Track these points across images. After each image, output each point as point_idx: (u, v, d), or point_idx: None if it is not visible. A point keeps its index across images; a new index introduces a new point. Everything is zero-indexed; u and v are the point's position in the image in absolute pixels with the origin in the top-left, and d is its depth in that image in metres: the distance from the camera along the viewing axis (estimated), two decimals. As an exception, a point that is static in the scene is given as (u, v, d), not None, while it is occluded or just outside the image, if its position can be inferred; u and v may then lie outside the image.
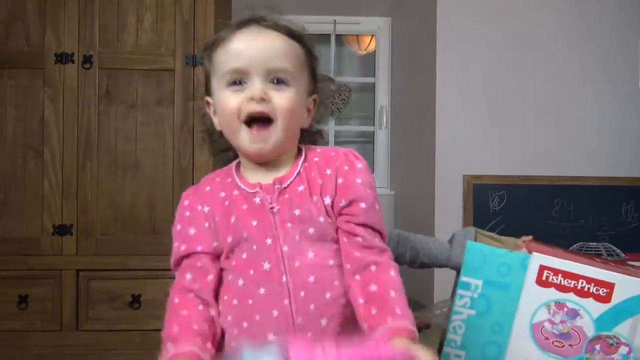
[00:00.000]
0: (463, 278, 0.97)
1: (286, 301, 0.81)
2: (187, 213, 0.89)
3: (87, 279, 2.10)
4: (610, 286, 0.90)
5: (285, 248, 0.83)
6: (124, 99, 2.13)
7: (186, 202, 0.91)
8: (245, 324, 0.83)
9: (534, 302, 0.93)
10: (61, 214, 2.10)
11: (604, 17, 2.72)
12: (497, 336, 0.95)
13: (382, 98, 3.30)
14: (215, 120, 0.92)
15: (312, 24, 3.33)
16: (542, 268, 0.93)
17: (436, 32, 2.70)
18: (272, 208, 0.85)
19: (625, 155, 2.73)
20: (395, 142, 3.25)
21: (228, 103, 0.85)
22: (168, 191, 2.12)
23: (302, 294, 0.81)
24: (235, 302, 0.85)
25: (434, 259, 1.35)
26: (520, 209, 2.69)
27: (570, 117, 2.72)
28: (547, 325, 0.92)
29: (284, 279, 0.82)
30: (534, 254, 0.94)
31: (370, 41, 3.38)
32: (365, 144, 3.45)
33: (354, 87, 3.38)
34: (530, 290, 0.93)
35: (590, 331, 0.91)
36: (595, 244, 2.39)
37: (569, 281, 0.92)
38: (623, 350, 0.90)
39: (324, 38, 3.35)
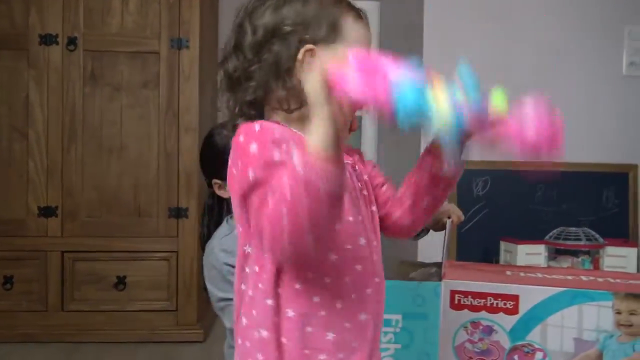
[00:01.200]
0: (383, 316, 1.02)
1: (377, 279, 0.75)
2: None
3: (72, 260, 2.12)
4: (515, 298, 0.95)
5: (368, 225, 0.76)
6: (109, 81, 2.14)
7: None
8: (339, 305, 0.71)
9: (452, 326, 0.99)
10: (46, 196, 2.11)
11: (590, 3, 2.74)
12: None
13: (370, 83, 3.31)
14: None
15: (301, 7, 3.34)
16: (453, 293, 0.98)
17: (423, 17, 2.71)
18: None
19: (607, 142, 2.76)
20: (382, 129, 3.27)
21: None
22: (153, 174, 2.13)
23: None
24: (327, 280, 0.71)
25: None
26: (504, 194, 2.72)
27: (553, 103, 2.75)
28: (468, 345, 0.97)
29: (375, 257, 0.76)
30: (444, 280, 0.98)
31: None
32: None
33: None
34: (447, 316, 0.99)
35: (506, 344, 0.96)
36: (575, 229, 2.43)
37: (479, 300, 0.97)
38: (539, 355, 0.95)
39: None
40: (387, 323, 1.03)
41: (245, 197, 0.66)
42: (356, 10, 0.76)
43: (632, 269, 2.45)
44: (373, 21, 3.44)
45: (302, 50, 0.69)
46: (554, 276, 1.04)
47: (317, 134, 0.58)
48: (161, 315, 2.10)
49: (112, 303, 2.13)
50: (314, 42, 0.70)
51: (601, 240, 2.41)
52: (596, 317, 0.92)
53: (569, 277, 1.03)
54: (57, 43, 2.10)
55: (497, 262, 2.60)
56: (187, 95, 2.11)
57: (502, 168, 2.74)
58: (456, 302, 0.99)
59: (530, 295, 0.95)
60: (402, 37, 3.04)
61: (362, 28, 0.75)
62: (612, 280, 1.01)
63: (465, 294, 0.98)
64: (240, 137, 0.67)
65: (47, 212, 2.11)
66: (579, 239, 2.39)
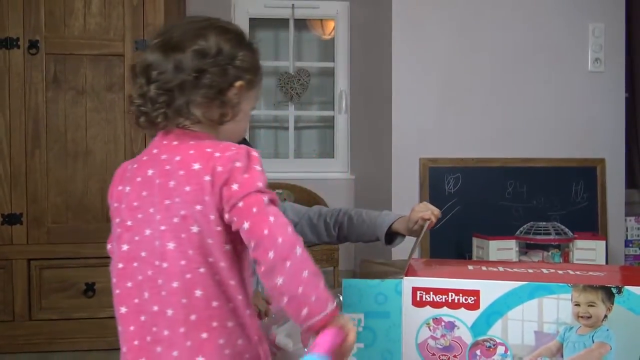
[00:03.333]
0: (346, 315, 1.02)
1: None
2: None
3: (39, 268, 2.08)
4: (476, 293, 0.96)
5: None
6: (73, 84, 2.10)
7: None
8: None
9: (414, 323, 0.99)
10: (10, 203, 2.07)
11: (556, 1, 2.78)
12: None
13: (342, 83, 3.31)
14: (234, 111, 0.90)
15: (271, 8, 3.32)
16: (415, 290, 0.98)
17: (392, 17, 2.72)
18: None
19: (576, 138, 2.81)
20: (355, 127, 3.28)
21: (248, 124, 0.97)
22: (121, 178, 2.10)
23: None
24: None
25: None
26: (475, 191, 2.75)
27: (522, 101, 2.78)
28: (430, 342, 0.98)
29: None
30: (405, 278, 0.98)
31: (334, 26, 3.38)
32: (325, 128, 3.47)
33: (313, 72, 3.38)
34: (409, 313, 0.99)
35: (468, 339, 0.96)
36: (544, 223, 2.46)
37: (440, 296, 0.97)
38: (500, 350, 0.95)
39: (283, 22, 3.34)
40: None
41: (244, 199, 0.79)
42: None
43: (601, 261, 2.49)
44: (344, 21, 3.45)
45: (239, 82, 0.88)
46: (515, 270, 1.04)
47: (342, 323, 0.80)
48: (132, 322, 2.06)
49: (81, 310, 2.09)
50: (245, 81, 0.90)
51: (570, 234, 2.45)
52: (556, 309, 0.92)
53: (530, 271, 1.03)
54: (18, 47, 2.06)
55: (470, 257, 2.62)
56: (153, 97, 2.08)
57: (473, 165, 2.77)
58: (418, 299, 0.98)
59: (491, 290, 0.95)
60: (371, 36, 3.05)
61: (260, 90, 0.98)
62: (572, 273, 1.01)
63: (427, 290, 0.98)
64: (248, 157, 0.83)
65: (11, 219, 2.06)
66: (549, 234, 2.42)
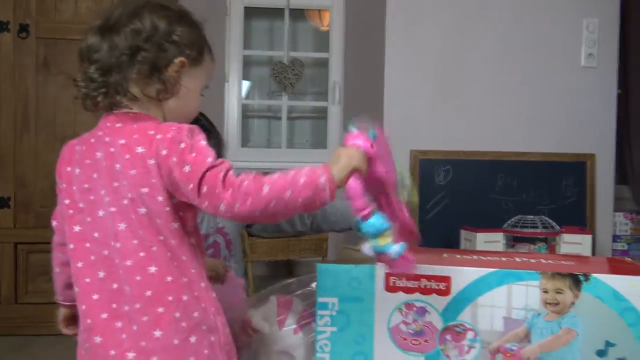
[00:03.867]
0: (320, 299, 1.03)
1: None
2: None
3: (26, 252, 2.09)
4: (447, 279, 0.97)
5: None
6: (63, 69, 2.10)
7: None
8: None
9: (387, 308, 1.00)
10: (-2, 187, 2.07)
11: (550, -5, 2.78)
12: (362, 347, 1.01)
13: (336, 74, 3.31)
14: (174, 88, 0.90)
15: (266, -3, 3.32)
16: (388, 275, 0.99)
17: (386, 8, 2.71)
18: None
19: (567, 132, 2.81)
20: (348, 118, 3.28)
21: (198, 103, 0.96)
22: (109, 164, 2.10)
23: None
24: None
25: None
26: (465, 184, 2.75)
27: (515, 95, 2.79)
28: (402, 326, 0.99)
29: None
30: (379, 263, 0.99)
31: (330, 17, 3.37)
32: (318, 119, 3.47)
33: (307, 62, 3.37)
34: (382, 298, 1.00)
35: (439, 324, 0.97)
36: (532, 217, 2.47)
37: (413, 282, 0.98)
38: (470, 335, 0.96)
39: (279, 12, 3.33)
40: (323, 306, 1.04)
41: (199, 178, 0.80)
42: (212, 53, 0.98)
43: (587, 254, 2.50)
44: (339, 12, 3.45)
45: (178, 59, 0.89)
46: (488, 258, 1.05)
47: (338, 168, 0.82)
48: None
49: (68, 295, 2.10)
50: (187, 58, 0.90)
51: (557, 227, 2.46)
52: (525, 296, 0.93)
53: (503, 259, 1.04)
54: (8, 30, 2.06)
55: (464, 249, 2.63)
56: (143, 83, 2.08)
57: (464, 158, 2.77)
58: (391, 284, 0.99)
59: (461, 276, 0.96)
60: (366, 28, 3.04)
61: (212, 67, 0.98)
62: (544, 262, 1.02)
63: (400, 276, 0.99)
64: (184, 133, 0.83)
65: (-1, 203, 2.07)
66: (536, 227, 2.43)
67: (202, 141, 0.83)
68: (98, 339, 0.85)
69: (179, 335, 0.83)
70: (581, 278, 0.91)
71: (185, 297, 0.84)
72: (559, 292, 0.91)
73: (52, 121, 2.09)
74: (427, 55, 2.74)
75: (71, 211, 0.88)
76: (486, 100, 2.77)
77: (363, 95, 3.07)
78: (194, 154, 0.81)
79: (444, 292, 0.97)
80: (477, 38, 2.75)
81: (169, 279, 0.84)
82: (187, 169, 0.80)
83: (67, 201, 0.89)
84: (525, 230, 2.42)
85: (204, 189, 0.79)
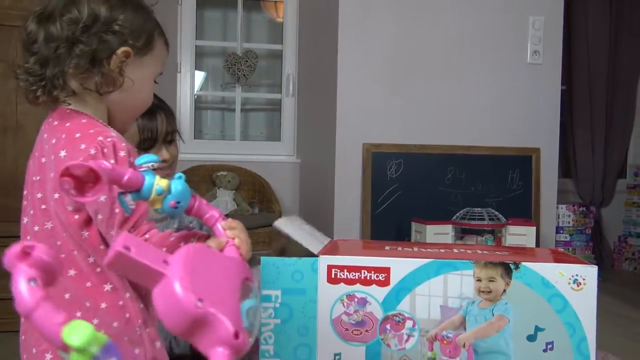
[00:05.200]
0: (263, 291, 1.05)
1: None
2: None
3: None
4: (386, 270, 1.00)
5: None
6: (3, 57, 2.02)
7: None
8: None
9: (329, 299, 1.02)
10: None
11: (498, -8, 2.85)
12: (305, 338, 1.03)
13: (290, 66, 3.30)
14: (116, 81, 0.84)
15: (219, -13, 3.28)
16: (330, 267, 1.01)
17: (339, 2, 2.72)
18: None
19: (513, 127, 2.90)
20: (302, 111, 3.28)
21: (149, 93, 0.90)
22: (53, 155, 2.04)
23: None
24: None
25: None
26: (416, 177, 2.80)
27: (464, 90, 2.85)
28: (344, 317, 1.01)
29: None
30: (321, 256, 1.01)
31: (283, 8, 3.35)
32: (272, 111, 3.46)
33: (261, 54, 3.35)
34: (324, 290, 1.02)
35: (379, 314, 1.00)
36: (479, 209, 2.54)
37: (354, 274, 1.01)
38: (409, 324, 0.99)
39: (232, 2, 3.30)
40: (267, 298, 1.04)
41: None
42: (165, 37, 0.92)
43: (532, 245, 2.59)
44: (293, 3, 3.43)
45: (121, 49, 0.83)
46: (428, 250, 1.08)
47: None
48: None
49: (8, 291, 2.03)
50: (132, 47, 0.84)
51: (503, 219, 2.53)
52: (459, 285, 0.96)
53: (442, 251, 1.07)
54: (-56, 15, 1.96)
55: (409, 241, 2.68)
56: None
57: (415, 152, 2.82)
58: (333, 276, 1.01)
59: (400, 267, 0.98)
60: (319, 20, 3.05)
61: (166, 52, 0.92)
62: (480, 252, 1.06)
63: (342, 268, 1.00)
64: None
65: None
66: (483, 219, 2.50)
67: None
68: (22, 337, 0.84)
69: None
70: (512, 266, 0.95)
71: (103, 305, 0.80)
72: (492, 281, 0.95)
73: (-8, 111, 2.01)
74: (380, 50, 2.77)
75: (24, 203, 0.85)
76: (436, 95, 2.83)
77: (316, 88, 3.07)
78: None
79: (384, 283, 0.99)
80: (428, 34, 2.80)
81: (88, 284, 0.80)
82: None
83: (24, 192, 0.86)
84: (473, 222, 2.49)
85: (98, 216, 0.77)
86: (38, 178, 0.83)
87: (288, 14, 3.29)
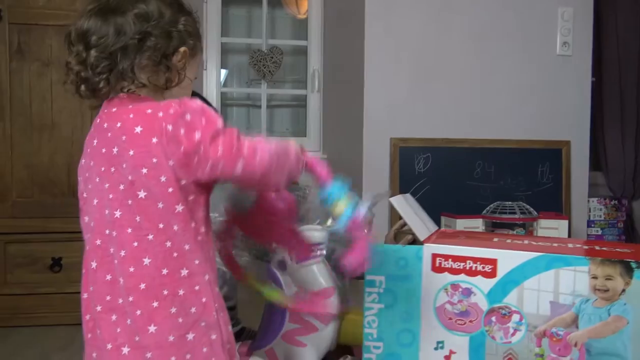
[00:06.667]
0: (367, 277, 1.04)
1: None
2: None
3: (4, 242, 2.05)
4: (493, 262, 0.98)
5: None
6: (38, 56, 2.05)
7: None
8: None
9: (433, 287, 1.02)
10: (-27, 177, 2.03)
11: (527, -16, 2.81)
12: (408, 324, 1.04)
13: (315, 61, 3.30)
14: (180, 76, 0.90)
15: (244, -16, 3.28)
16: (435, 256, 1.01)
17: (365, 2, 2.72)
18: None
19: (543, 120, 2.86)
20: (328, 106, 3.28)
21: (190, 93, 0.97)
22: (88, 152, 2.07)
23: None
24: None
25: None
26: (444, 171, 2.79)
27: (492, 83, 2.82)
28: (447, 306, 1.00)
29: None
30: (425, 244, 1.00)
31: (308, 4, 3.35)
32: (297, 107, 3.46)
33: (286, 50, 3.36)
34: (428, 278, 1.02)
35: (484, 305, 0.99)
36: (510, 203, 2.52)
37: (459, 264, 1.00)
38: (515, 317, 0.97)
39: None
40: (371, 284, 1.05)
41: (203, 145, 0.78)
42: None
43: (564, 240, 2.56)
44: (317, 2, 3.43)
45: (183, 48, 0.90)
46: (539, 243, 1.05)
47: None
48: (99, 297, 2.05)
49: (48, 285, 2.07)
50: (188, 47, 0.91)
51: (535, 213, 2.51)
52: (572, 281, 0.93)
53: (554, 245, 1.04)
54: (-19, 15, 2.00)
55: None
56: (120, 70, 2.05)
57: (443, 146, 2.80)
58: (437, 264, 1.01)
59: (508, 260, 0.97)
60: (345, 15, 3.04)
61: (201, 58, 1.01)
62: (597, 248, 1.01)
63: (446, 257, 1.00)
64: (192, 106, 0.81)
65: (-26, 193, 2.03)
66: (514, 213, 2.47)
67: (207, 109, 0.80)
68: (98, 331, 0.83)
69: (175, 332, 0.79)
70: (633, 265, 0.91)
71: (181, 292, 0.80)
72: (609, 279, 0.91)
73: (27, 109, 2.04)
74: (407, 43, 2.75)
75: (81, 202, 0.87)
76: (464, 88, 2.80)
77: (342, 83, 3.07)
78: (203, 121, 0.78)
79: (490, 274, 0.98)
80: (455, 27, 2.77)
81: (165, 271, 0.79)
82: (197, 135, 0.77)
83: (79, 193, 0.89)
84: (504, 216, 2.47)
85: (220, 150, 0.76)
86: (102, 169, 0.83)
87: (313, 9, 3.28)
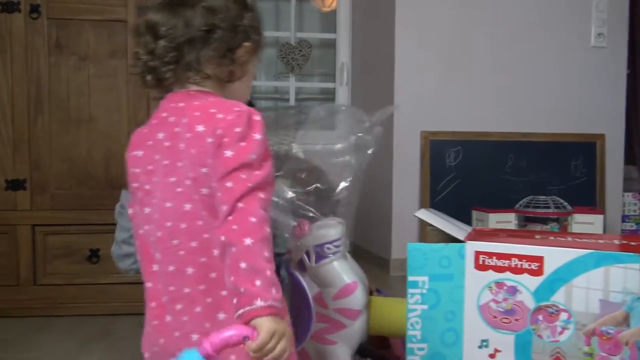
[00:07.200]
0: (410, 277, 1.04)
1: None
2: None
3: (44, 233, 2.09)
4: (540, 259, 0.96)
5: None
6: (75, 50, 2.08)
7: None
8: None
9: (477, 286, 1.00)
10: (13, 169, 2.06)
11: (560, -25, 2.76)
12: (452, 323, 1.02)
13: (343, 55, 3.29)
14: (243, 71, 0.91)
15: (273, -23, 3.28)
16: (478, 253, 0.99)
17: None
18: None
19: (576, 113, 2.82)
20: (356, 99, 3.27)
21: (251, 89, 0.99)
22: (124, 146, 2.08)
23: None
24: None
25: None
26: (475, 165, 2.76)
27: (524, 75, 2.78)
28: (492, 304, 0.99)
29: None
30: (468, 242, 0.99)
31: (333, -2, 3.34)
32: (325, 100, 3.46)
33: (314, 43, 3.35)
34: (472, 276, 1.00)
35: (530, 304, 0.97)
36: (544, 197, 2.49)
37: (503, 261, 0.98)
38: (563, 316, 0.95)
39: (285, -7, 3.30)
40: (414, 285, 1.04)
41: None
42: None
43: (598, 235, 2.52)
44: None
45: (247, 42, 0.90)
46: (584, 240, 1.02)
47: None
48: (135, 288, 2.08)
49: (85, 276, 2.11)
50: (252, 42, 0.91)
51: (569, 207, 2.47)
52: (623, 279, 0.91)
53: (600, 242, 1.02)
54: (19, 10, 2.03)
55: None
56: (156, 65, 2.06)
57: (474, 139, 2.77)
58: (481, 262, 0.99)
59: (555, 257, 0.95)
60: (373, 8, 3.02)
61: (261, 55, 0.99)
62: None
63: (490, 255, 0.99)
64: (250, 119, 0.81)
65: (15, 185, 2.06)
66: (548, 207, 2.44)
67: (256, 134, 0.79)
68: (155, 321, 0.85)
69: None
70: None
71: None
72: None
73: (65, 103, 2.08)
74: (437, 36, 2.73)
75: (140, 194, 0.88)
76: (495, 81, 2.77)
77: (371, 76, 3.06)
78: (242, 144, 0.78)
79: (537, 272, 0.96)
80: (486, 18, 2.74)
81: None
82: (228, 154, 0.78)
83: (135, 184, 0.89)
84: (538, 210, 2.44)
85: (228, 184, 0.77)
86: (167, 162, 0.84)
87: (341, 2, 3.27)
